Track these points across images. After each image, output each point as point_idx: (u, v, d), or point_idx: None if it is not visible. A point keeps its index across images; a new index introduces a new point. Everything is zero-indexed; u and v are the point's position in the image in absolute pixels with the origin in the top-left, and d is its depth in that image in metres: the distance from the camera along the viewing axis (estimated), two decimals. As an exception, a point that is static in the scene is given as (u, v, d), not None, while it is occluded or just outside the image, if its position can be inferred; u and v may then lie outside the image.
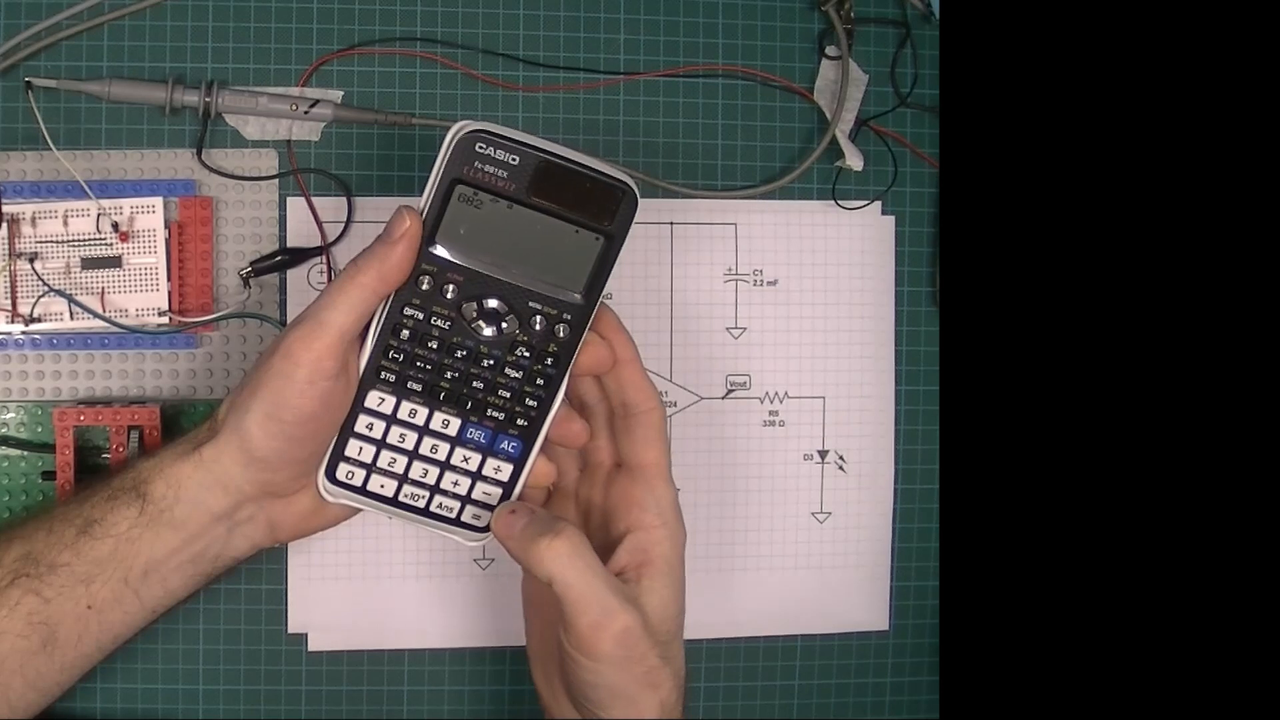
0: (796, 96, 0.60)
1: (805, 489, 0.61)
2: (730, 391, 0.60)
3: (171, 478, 0.47)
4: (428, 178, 0.46)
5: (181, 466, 0.47)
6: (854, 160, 0.58)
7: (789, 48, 0.60)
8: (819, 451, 0.61)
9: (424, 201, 0.46)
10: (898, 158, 0.60)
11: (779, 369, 0.60)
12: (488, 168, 0.45)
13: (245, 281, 0.56)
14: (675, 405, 0.60)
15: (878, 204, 0.61)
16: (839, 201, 0.60)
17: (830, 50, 0.60)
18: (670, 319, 0.60)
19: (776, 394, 0.60)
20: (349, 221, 0.57)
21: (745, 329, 0.60)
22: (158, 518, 0.47)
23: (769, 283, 0.60)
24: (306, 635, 0.58)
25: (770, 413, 0.60)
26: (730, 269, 0.60)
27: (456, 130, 0.45)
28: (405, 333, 0.47)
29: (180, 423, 0.56)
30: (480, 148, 0.45)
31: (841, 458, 0.61)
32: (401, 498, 0.49)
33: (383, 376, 0.47)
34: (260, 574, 0.57)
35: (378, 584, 0.58)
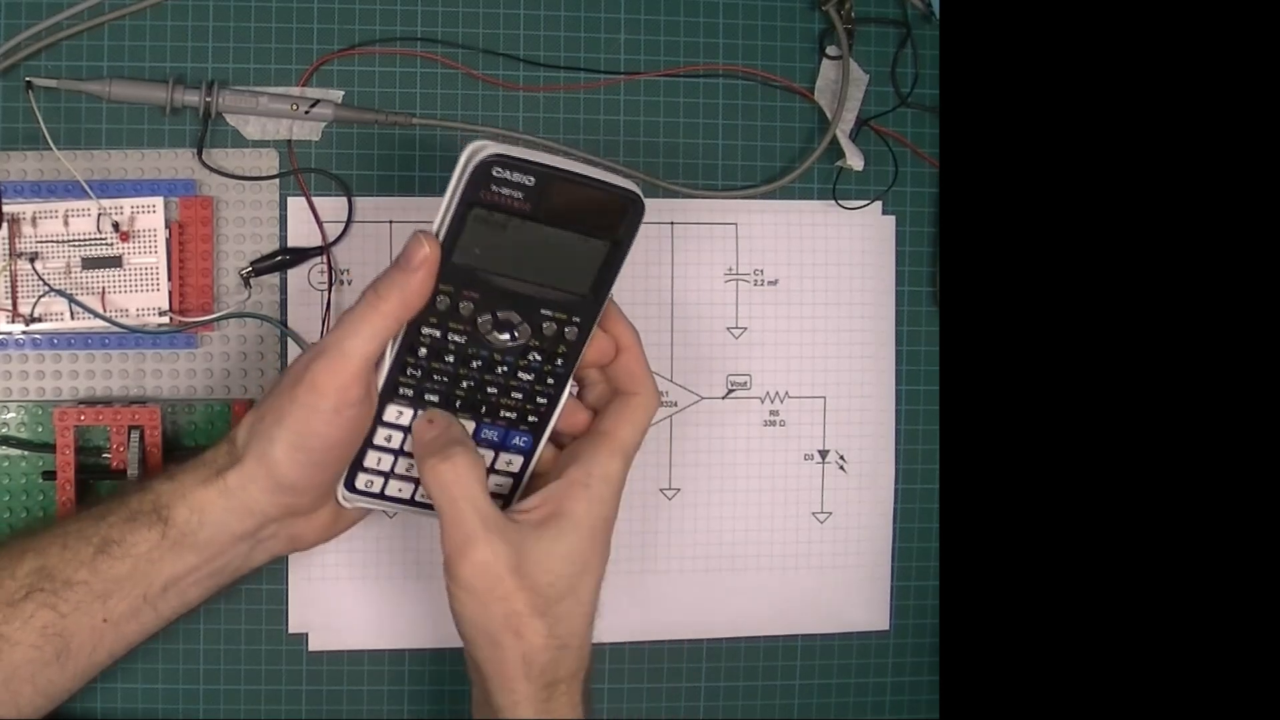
0: (797, 96, 0.60)
1: (805, 489, 0.61)
2: (731, 391, 0.60)
3: (195, 504, 0.47)
4: (440, 196, 0.45)
5: (205, 493, 0.47)
6: (854, 160, 0.58)
7: (789, 48, 0.60)
8: (819, 451, 0.61)
9: (439, 223, 0.46)
10: (898, 158, 0.60)
11: (779, 369, 0.60)
12: (504, 190, 0.45)
13: (246, 281, 0.56)
14: (675, 405, 0.60)
15: (878, 204, 0.61)
16: (839, 201, 0.60)
17: (831, 50, 0.60)
18: (670, 319, 0.60)
19: (777, 394, 0.60)
20: (349, 221, 0.57)
21: (746, 329, 0.60)
22: (180, 541, 0.47)
23: (769, 282, 0.60)
24: (306, 635, 0.58)
25: (771, 413, 0.60)
26: (731, 269, 0.60)
27: (471, 153, 0.45)
28: (423, 350, 0.47)
29: (181, 423, 0.56)
30: (497, 172, 0.45)
31: (842, 458, 0.61)
32: (418, 498, 0.50)
33: (400, 392, 0.48)
34: (260, 574, 0.57)
35: (378, 584, 0.58)
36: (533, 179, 0.45)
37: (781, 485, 0.60)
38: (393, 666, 0.58)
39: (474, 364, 0.48)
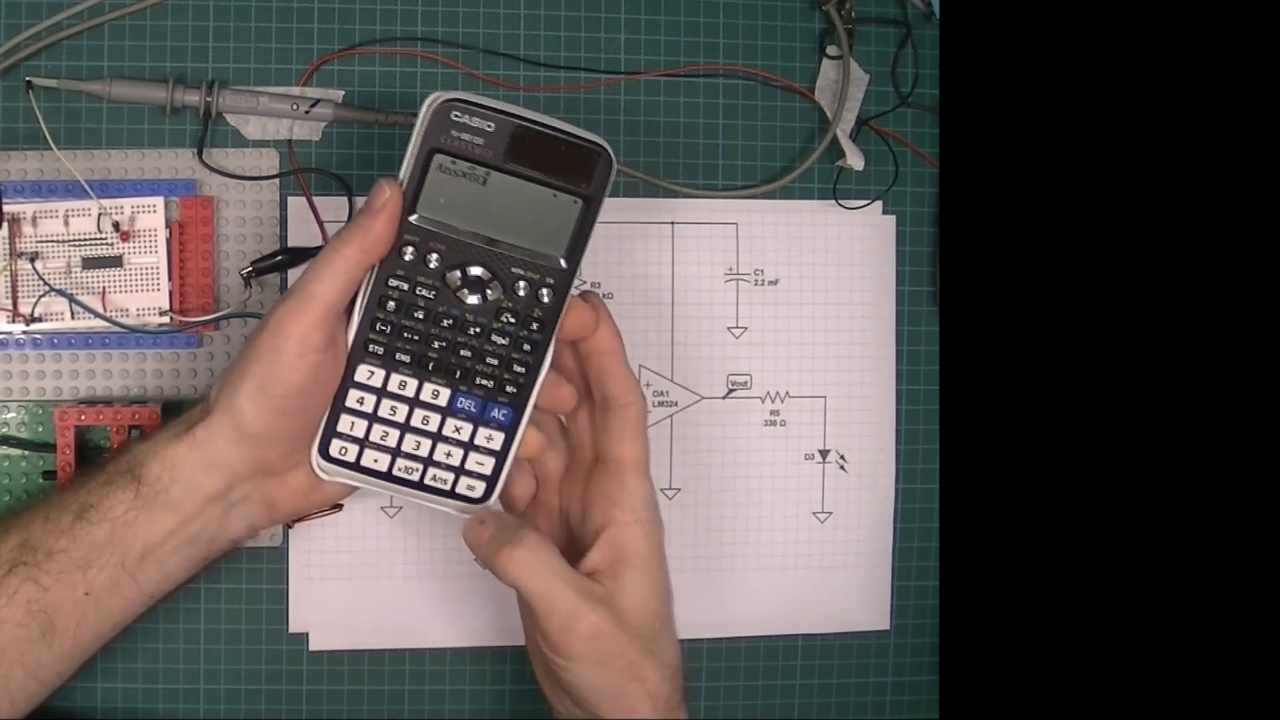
0: (797, 96, 0.60)
1: (806, 489, 0.61)
2: (731, 391, 0.60)
3: (166, 459, 0.48)
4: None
5: (175, 448, 0.48)
6: (855, 160, 0.58)
7: (790, 47, 0.60)
8: (820, 451, 0.61)
9: (403, 172, 0.46)
10: (898, 157, 0.60)
11: (780, 369, 0.60)
12: (464, 135, 0.46)
13: (246, 281, 0.56)
14: (676, 405, 0.60)
15: (878, 204, 0.61)
16: (840, 201, 0.60)
17: (831, 50, 0.60)
18: (671, 319, 0.60)
19: (777, 394, 0.60)
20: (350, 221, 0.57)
21: (746, 329, 0.60)
22: (153, 500, 0.47)
23: (770, 282, 0.60)
24: (307, 635, 0.58)
25: (771, 412, 0.60)
26: (731, 269, 0.60)
27: (432, 100, 0.46)
28: (391, 304, 0.47)
29: (181, 422, 0.56)
30: (456, 116, 0.46)
31: (842, 457, 0.61)
32: (395, 472, 0.49)
33: (371, 349, 0.48)
34: (261, 574, 0.57)
35: (378, 584, 0.58)
36: (492, 124, 0.46)
37: (782, 485, 0.60)
38: (393, 666, 0.58)
39: (445, 322, 0.47)
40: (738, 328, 0.60)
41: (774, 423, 0.60)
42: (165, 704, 0.57)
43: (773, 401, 0.60)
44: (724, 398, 0.60)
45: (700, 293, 0.60)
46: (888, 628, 0.61)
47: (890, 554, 0.61)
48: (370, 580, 0.58)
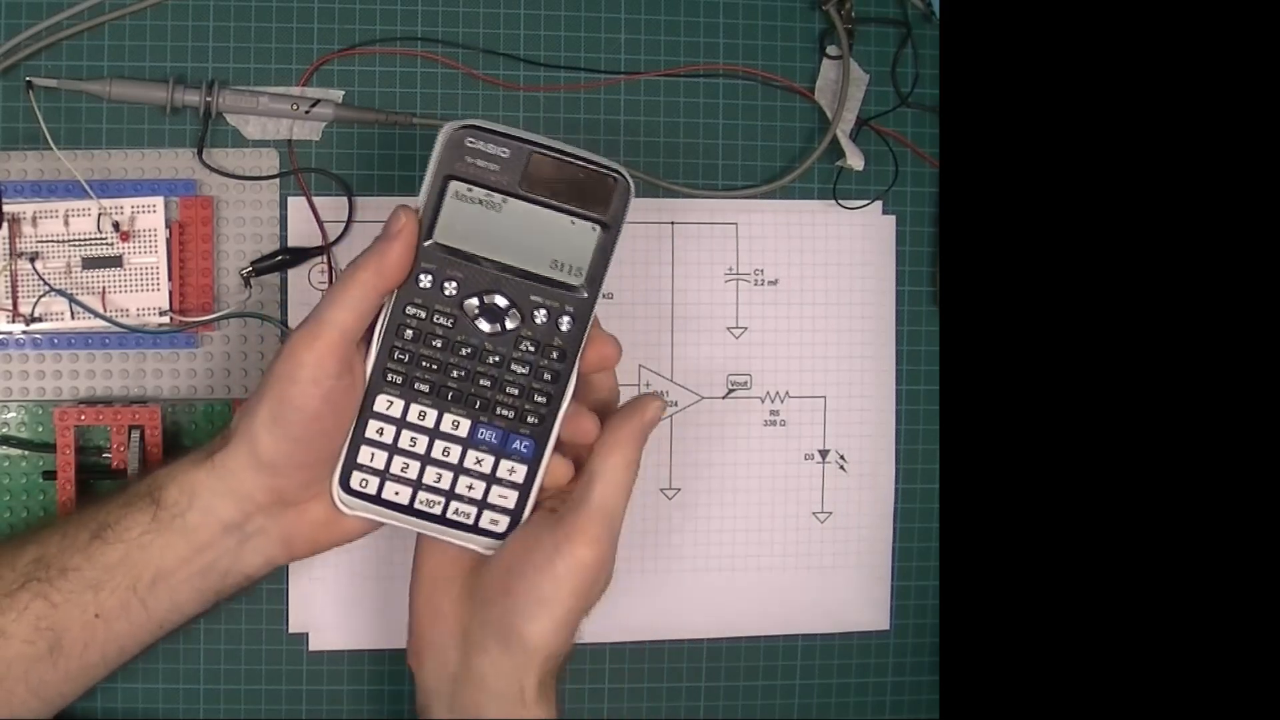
0: (797, 96, 0.60)
1: (806, 489, 0.61)
2: (731, 391, 0.60)
3: (185, 484, 0.47)
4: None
5: (195, 473, 0.47)
6: (855, 160, 0.58)
7: (790, 47, 0.60)
8: (820, 451, 0.61)
9: (421, 200, 0.46)
10: (898, 157, 0.60)
11: (780, 369, 0.60)
12: (479, 162, 0.46)
13: (246, 281, 0.56)
14: (676, 405, 0.60)
15: (878, 203, 0.61)
16: (840, 201, 0.60)
17: (831, 50, 0.60)
18: (671, 319, 0.60)
19: (777, 394, 0.60)
20: (350, 221, 0.57)
21: (746, 328, 0.60)
22: (169, 524, 0.47)
23: (770, 282, 0.60)
24: (307, 635, 0.58)
25: (771, 412, 0.60)
26: (731, 268, 0.60)
27: (447, 127, 0.46)
28: (409, 332, 0.47)
29: (181, 423, 0.56)
30: (470, 143, 0.46)
31: (842, 457, 0.61)
32: (417, 505, 0.48)
33: (390, 379, 0.47)
34: (261, 574, 0.57)
35: (378, 584, 0.58)
36: (507, 151, 0.46)
37: (781, 485, 0.60)
38: (393, 666, 0.58)
39: (463, 351, 0.47)
40: (738, 328, 0.60)
41: (774, 423, 0.60)
42: (165, 704, 0.57)
43: (772, 401, 0.60)
44: (724, 398, 0.60)
45: (700, 293, 0.60)
46: (887, 628, 0.61)
47: (890, 554, 0.61)
48: (370, 580, 0.58)
